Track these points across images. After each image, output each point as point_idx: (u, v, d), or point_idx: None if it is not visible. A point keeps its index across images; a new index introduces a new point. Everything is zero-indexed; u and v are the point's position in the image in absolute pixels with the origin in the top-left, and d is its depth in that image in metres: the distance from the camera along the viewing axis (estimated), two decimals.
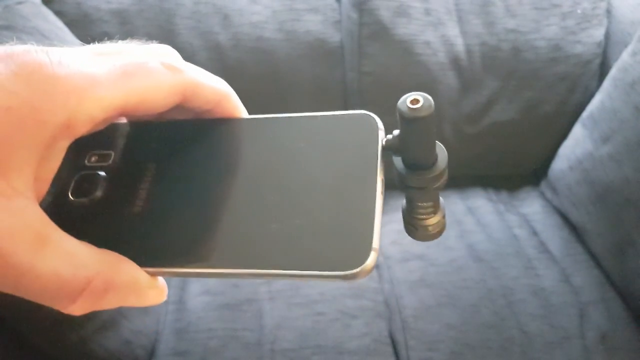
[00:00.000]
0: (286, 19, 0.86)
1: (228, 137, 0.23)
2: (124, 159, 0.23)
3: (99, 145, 0.23)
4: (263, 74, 0.84)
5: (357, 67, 0.86)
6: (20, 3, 0.67)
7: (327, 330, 0.71)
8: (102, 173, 0.22)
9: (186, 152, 0.23)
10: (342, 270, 0.18)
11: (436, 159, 0.20)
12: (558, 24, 0.86)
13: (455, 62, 0.86)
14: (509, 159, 0.96)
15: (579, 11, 0.86)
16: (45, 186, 0.19)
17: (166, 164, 0.23)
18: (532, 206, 0.90)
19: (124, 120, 0.24)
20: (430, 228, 0.22)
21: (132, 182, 0.22)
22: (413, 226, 0.22)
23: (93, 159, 0.23)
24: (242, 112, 0.24)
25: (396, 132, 0.20)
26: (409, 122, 0.19)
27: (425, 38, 0.85)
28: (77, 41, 0.72)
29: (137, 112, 0.20)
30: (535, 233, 0.85)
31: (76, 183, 0.22)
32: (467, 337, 0.71)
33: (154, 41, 0.22)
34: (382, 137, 0.21)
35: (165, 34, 0.83)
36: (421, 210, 0.21)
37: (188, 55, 0.83)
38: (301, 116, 0.23)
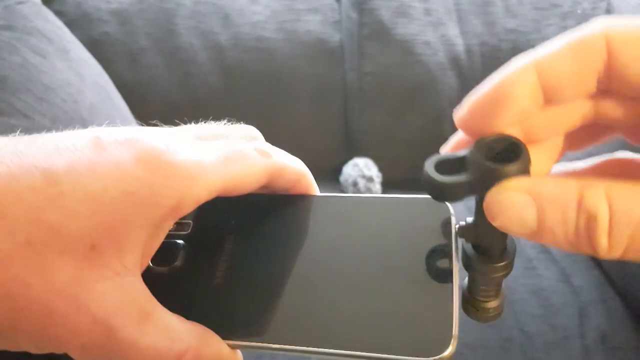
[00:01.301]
0: (286, 19, 0.86)
1: (304, 213, 0.24)
2: (203, 229, 0.24)
3: None
4: (263, 74, 0.84)
5: (357, 67, 0.86)
6: (20, 3, 0.67)
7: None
8: (181, 242, 0.23)
9: (264, 226, 0.24)
10: (425, 357, 0.18)
11: (506, 248, 0.20)
12: (558, 24, 0.86)
13: (455, 62, 0.86)
14: None
15: (579, 11, 0.86)
16: (147, 261, 0.21)
17: (244, 236, 0.23)
18: None
19: None
20: (490, 311, 0.21)
21: (211, 253, 0.23)
22: (474, 307, 0.21)
23: (173, 227, 0.22)
24: (315, 189, 0.25)
25: (470, 219, 0.20)
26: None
27: (425, 38, 0.85)
28: (77, 41, 0.72)
29: (231, 193, 0.21)
30: None
31: (158, 251, 0.22)
32: (467, 337, 0.71)
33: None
34: (454, 223, 0.21)
35: (165, 34, 0.83)
36: (483, 294, 0.21)
37: (188, 55, 0.83)
38: (372, 197, 0.24)
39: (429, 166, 0.18)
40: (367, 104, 0.88)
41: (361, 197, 0.24)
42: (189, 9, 0.84)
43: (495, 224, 0.18)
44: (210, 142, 0.22)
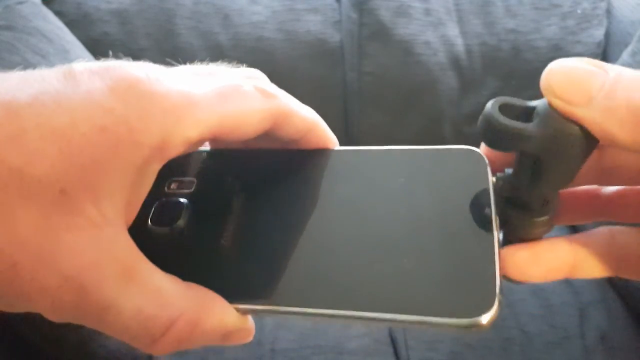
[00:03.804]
0: (286, 19, 0.86)
1: (319, 168, 0.21)
2: (208, 187, 0.21)
3: (179, 171, 0.22)
4: None
5: (357, 67, 0.86)
6: (20, 3, 0.67)
7: (327, 330, 0.71)
8: (184, 200, 0.21)
9: (276, 183, 0.21)
10: (466, 318, 0.16)
11: (548, 202, 0.18)
12: (558, 24, 0.86)
13: (455, 62, 0.86)
14: None
15: (579, 11, 0.86)
16: (133, 213, 0.18)
17: (254, 194, 0.21)
18: None
19: (206, 147, 0.23)
20: None
21: (218, 212, 0.20)
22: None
23: (173, 185, 0.21)
24: (332, 142, 0.22)
25: (508, 170, 0.18)
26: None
27: (425, 38, 0.85)
28: (77, 41, 0.72)
29: (227, 137, 0.19)
30: None
31: (156, 210, 0.20)
32: (467, 337, 0.71)
33: (243, 64, 0.21)
34: (491, 175, 0.19)
35: (165, 34, 0.83)
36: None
37: (188, 55, 0.83)
38: (398, 149, 0.21)
39: (493, 106, 0.17)
40: (367, 104, 0.88)
41: (385, 149, 0.21)
42: (189, 9, 0.84)
43: (551, 93, 0.16)
44: (204, 77, 0.19)
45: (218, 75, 0.19)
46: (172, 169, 0.21)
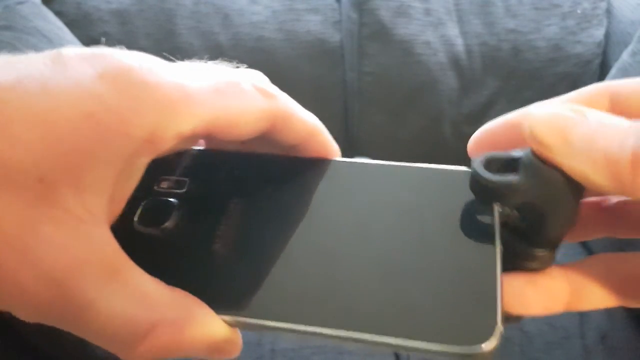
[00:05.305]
0: (286, 19, 0.86)
1: (319, 178, 0.20)
2: (202, 188, 0.20)
3: (171, 170, 0.21)
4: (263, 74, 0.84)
5: (357, 67, 0.86)
6: (20, 3, 0.67)
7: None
8: (175, 201, 0.20)
9: (273, 190, 0.20)
10: (466, 345, 0.15)
11: (549, 234, 0.18)
12: (558, 24, 0.86)
13: (455, 62, 0.86)
14: None
15: (579, 11, 0.86)
16: (118, 209, 0.17)
17: (249, 200, 0.20)
18: None
19: (202, 146, 0.22)
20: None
21: (210, 215, 0.19)
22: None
23: (164, 184, 0.20)
24: (334, 151, 0.21)
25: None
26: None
27: (425, 38, 0.85)
28: (77, 41, 0.72)
29: (223, 135, 0.18)
30: None
31: (144, 209, 0.19)
32: None
33: (243, 64, 0.20)
34: (497, 208, 0.18)
35: (165, 34, 0.83)
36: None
37: (188, 55, 0.82)
38: (403, 166, 0.20)
39: (478, 163, 0.17)
40: (367, 104, 0.88)
41: (389, 165, 0.21)
42: (189, 9, 0.84)
43: (536, 141, 0.16)
44: (202, 72, 0.18)
45: (216, 72, 0.18)
46: (164, 167, 0.20)
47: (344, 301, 0.17)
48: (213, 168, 0.21)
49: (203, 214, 0.19)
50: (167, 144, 0.16)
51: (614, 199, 0.20)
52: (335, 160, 0.21)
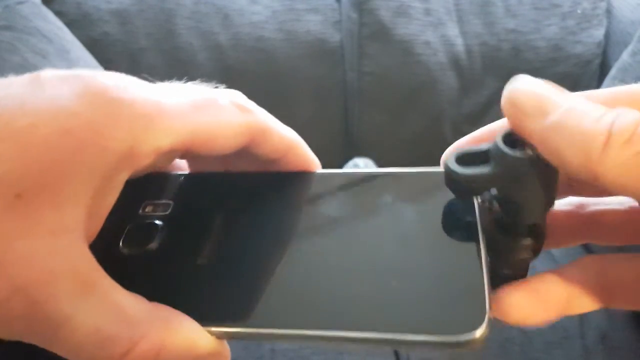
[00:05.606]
0: (286, 19, 0.86)
1: (300, 191, 0.21)
2: (185, 210, 0.21)
3: (156, 194, 0.21)
4: (263, 74, 0.84)
5: (357, 67, 0.86)
6: (20, 3, 0.67)
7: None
8: (159, 222, 0.20)
9: (255, 208, 0.21)
10: (456, 334, 0.15)
11: (534, 224, 0.18)
12: (558, 24, 0.86)
13: (455, 62, 0.86)
14: None
15: (579, 11, 0.86)
16: (97, 225, 0.17)
17: (232, 218, 0.20)
18: None
19: (185, 170, 0.22)
20: None
21: (194, 236, 0.20)
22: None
23: (149, 208, 0.20)
24: (314, 164, 0.22)
25: (493, 190, 0.18)
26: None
27: (425, 38, 0.85)
28: (77, 41, 0.72)
29: (202, 150, 0.18)
30: None
31: (129, 232, 0.20)
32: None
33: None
34: (477, 199, 0.19)
35: (165, 34, 0.83)
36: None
37: (188, 55, 0.83)
38: (382, 172, 0.21)
39: (450, 159, 0.18)
40: (367, 104, 0.88)
41: (368, 172, 0.21)
42: (189, 9, 0.84)
43: (512, 108, 0.16)
44: (178, 90, 0.18)
45: (193, 90, 0.19)
46: (149, 192, 0.21)
47: (332, 303, 0.17)
48: (197, 190, 0.21)
49: (186, 235, 0.20)
50: (145, 159, 0.16)
51: (591, 207, 0.20)
52: (315, 173, 0.22)
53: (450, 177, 0.18)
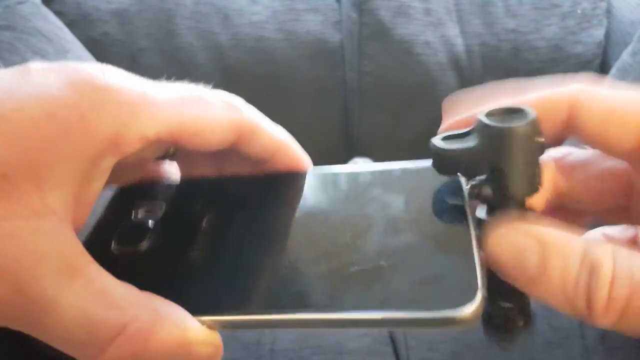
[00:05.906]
0: (286, 19, 0.86)
1: (291, 191, 0.22)
2: (177, 211, 0.21)
3: (149, 195, 0.22)
4: (263, 74, 0.84)
5: (357, 67, 0.86)
6: (20, 3, 0.67)
7: (327, 330, 0.71)
8: (152, 222, 0.21)
9: (247, 210, 0.21)
10: (450, 310, 0.16)
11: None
12: (558, 24, 0.86)
13: (455, 62, 0.86)
14: None
15: (579, 11, 0.86)
16: (85, 212, 0.17)
17: (224, 220, 0.21)
18: None
19: (177, 174, 0.23)
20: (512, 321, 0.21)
21: (185, 235, 0.20)
22: (493, 317, 0.21)
23: (142, 208, 0.21)
24: (304, 163, 0.22)
25: (481, 177, 0.19)
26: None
27: (425, 38, 0.85)
28: (77, 41, 0.72)
29: (190, 143, 0.18)
30: None
31: (121, 231, 0.20)
32: (467, 337, 0.71)
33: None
34: (465, 183, 0.20)
35: (165, 34, 0.83)
36: (503, 288, 0.19)
37: (188, 55, 0.83)
38: (370, 169, 0.22)
39: (436, 139, 0.19)
40: (367, 104, 0.88)
41: (356, 169, 0.22)
42: (189, 9, 0.84)
43: (494, 262, 0.17)
44: (166, 85, 0.19)
45: (181, 87, 0.19)
46: (142, 193, 0.21)
47: (321, 288, 0.18)
48: (189, 193, 0.22)
49: (178, 233, 0.21)
50: (131, 145, 0.16)
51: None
52: (305, 173, 0.22)
53: (437, 155, 0.18)
